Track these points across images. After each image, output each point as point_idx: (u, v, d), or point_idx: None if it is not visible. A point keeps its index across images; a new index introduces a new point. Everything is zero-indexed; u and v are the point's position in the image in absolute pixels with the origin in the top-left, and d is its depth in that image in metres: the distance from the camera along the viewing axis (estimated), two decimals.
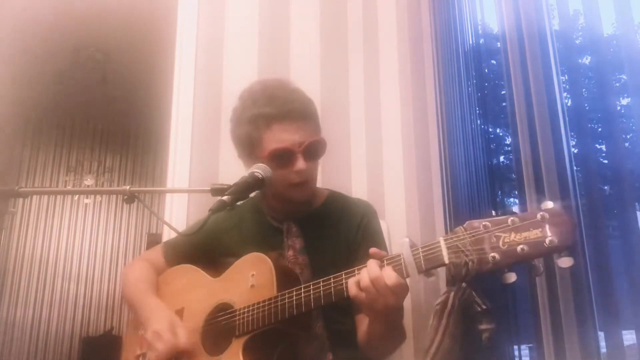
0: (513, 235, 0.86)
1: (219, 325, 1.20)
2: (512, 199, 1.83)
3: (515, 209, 1.71)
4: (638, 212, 1.31)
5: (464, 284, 0.93)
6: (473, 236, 0.89)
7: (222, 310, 1.21)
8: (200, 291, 1.29)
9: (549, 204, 0.87)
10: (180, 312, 1.29)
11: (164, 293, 1.37)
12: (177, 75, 2.05)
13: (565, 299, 1.35)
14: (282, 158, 1.23)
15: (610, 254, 1.32)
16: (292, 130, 1.23)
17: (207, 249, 1.39)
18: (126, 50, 4.10)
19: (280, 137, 1.23)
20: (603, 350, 1.30)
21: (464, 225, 0.91)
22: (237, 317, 1.15)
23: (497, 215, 0.90)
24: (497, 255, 0.86)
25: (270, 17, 2.16)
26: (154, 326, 1.20)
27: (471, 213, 1.88)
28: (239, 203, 1.15)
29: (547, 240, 0.83)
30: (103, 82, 4.44)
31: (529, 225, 0.86)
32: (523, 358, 1.60)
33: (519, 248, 0.85)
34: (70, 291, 5.26)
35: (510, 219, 0.87)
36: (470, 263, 0.87)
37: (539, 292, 1.42)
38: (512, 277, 0.87)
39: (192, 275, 1.34)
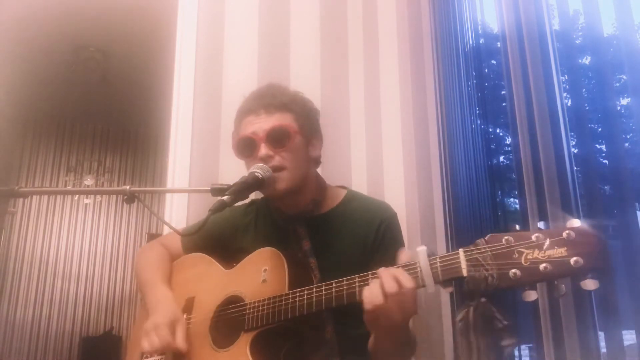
0: (537, 252, 0.83)
1: (229, 318, 1.20)
2: (512, 199, 1.83)
3: (515, 208, 1.71)
4: (638, 212, 1.31)
5: (483, 299, 0.91)
6: (494, 250, 0.86)
7: (233, 302, 1.21)
8: (212, 281, 1.29)
9: (576, 222, 0.83)
10: (190, 301, 1.30)
11: (177, 280, 1.38)
12: (177, 75, 2.04)
13: (565, 299, 1.35)
14: (245, 147, 1.27)
15: (608, 248, 1.32)
16: (256, 122, 1.27)
17: (223, 241, 1.40)
18: (126, 50, 4.10)
19: (245, 128, 1.28)
20: (603, 350, 1.30)
21: (486, 237, 0.88)
22: (247, 311, 1.15)
23: (521, 229, 0.87)
24: (518, 272, 0.83)
25: (270, 17, 2.15)
26: (155, 318, 1.21)
27: (471, 213, 1.88)
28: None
29: (572, 260, 0.80)
30: (103, 82, 4.44)
31: (554, 243, 0.82)
32: (523, 358, 1.61)
33: (542, 266, 0.82)
34: (70, 291, 5.26)
35: (534, 235, 0.84)
36: (489, 278, 0.84)
37: (539, 292, 1.42)
38: (532, 295, 0.84)
39: (205, 265, 1.35)
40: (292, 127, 1.28)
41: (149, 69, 4.02)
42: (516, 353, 1.61)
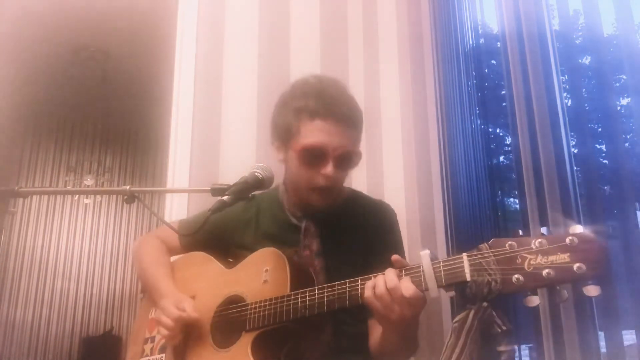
0: (540, 257, 0.83)
1: (230, 318, 1.20)
2: (512, 199, 1.83)
3: (516, 209, 1.71)
4: (638, 212, 1.31)
5: (485, 304, 0.91)
6: (498, 255, 0.87)
7: (234, 302, 1.21)
8: (212, 281, 1.29)
9: (579, 228, 0.84)
10: None
11: (177, 279, 1.37)
12: (177, 75, 2.05)
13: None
14: (313, 156, 1.20)
15: (610, 254, 1.32)
16: (333, 132, 1.19)
17: (223, 237, 1.38)
18: (126, 50, 4.10)
19: (319, 134, 1.19)
20: (603, 350, 1.30)
21: (489, 242, 0.89)
22: (249, 312, 1.15)
23: (524, 234, 0.88)
24: (521, 277, 0.83)
25: (270, 17, 2.16)
26: (161, 303, 1.23)
27: (471, 213, 1.88)
28: (257, 193, 1.16)
29: (575, 267, 0.80)
30: (103, 82, 4.44)
31: (557, 249, 0.83)
32: (523, 358, 1.61)
33: (544, 272, 0.82)
34: (70, 291, 5.25)
35: (537, 241, 0.85)
36: (493, 283, 0.85)
37: (539, 292, 1.42)
38: (535, 301, 0.85)
39: (205, 264, 1.34)
40: (358, 151, 1.26)
41: (149, 69, 4.02)
42: (516, 353, 1.61)
